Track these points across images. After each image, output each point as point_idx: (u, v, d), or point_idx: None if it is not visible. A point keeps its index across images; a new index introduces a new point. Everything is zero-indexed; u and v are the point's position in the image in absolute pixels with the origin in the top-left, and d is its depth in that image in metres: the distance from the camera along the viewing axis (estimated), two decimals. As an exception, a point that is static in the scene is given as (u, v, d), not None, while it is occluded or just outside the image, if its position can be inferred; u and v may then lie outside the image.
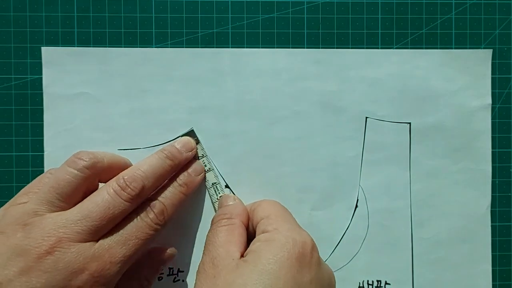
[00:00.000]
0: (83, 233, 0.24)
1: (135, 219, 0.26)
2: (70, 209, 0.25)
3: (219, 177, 0.32)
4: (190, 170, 0.30)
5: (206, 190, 0.32)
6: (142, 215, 0.27)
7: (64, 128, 0.32)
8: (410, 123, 0.33)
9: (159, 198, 0.28)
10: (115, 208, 0.25)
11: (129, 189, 0.26)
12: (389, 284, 0.32)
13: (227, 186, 0.32)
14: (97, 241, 0.25)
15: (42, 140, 0.32)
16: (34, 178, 0.32)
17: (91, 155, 0.27)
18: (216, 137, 0.32)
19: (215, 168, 0.32)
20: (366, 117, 0.33)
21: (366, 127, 0.33)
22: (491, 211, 0.33)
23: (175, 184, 0.29)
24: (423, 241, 0.33)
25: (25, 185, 0.32)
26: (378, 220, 0.33)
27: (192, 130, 0.32)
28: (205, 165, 0.32)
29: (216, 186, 0.32)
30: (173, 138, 0.32)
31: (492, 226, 0.33)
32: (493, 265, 0.33)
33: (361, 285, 0.32)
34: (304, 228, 0.32)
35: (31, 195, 0.26)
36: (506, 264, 0.33)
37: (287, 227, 0.26)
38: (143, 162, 0.28)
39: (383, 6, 0.33)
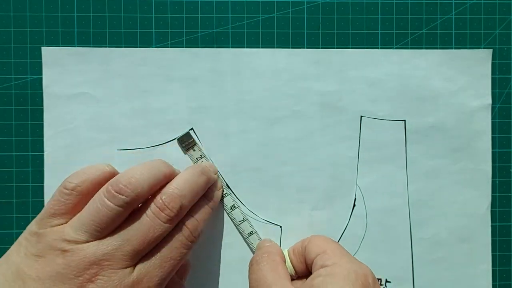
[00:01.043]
0: (124, 258, 0.24)
1: (170, 239, 0.26)
2: (111, 236, 0.25)
3: (219, 176, 0.32)
4: (212, 188, 0.30)
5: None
6: (176, 234, 0.26)
7: (64, 128, 0.32)
8: (405, 120, 0.33)
9: (192, 214, 0.28)
10: (155, 231, 0.25)
11: (168, 210, 0.25)
12: (389, 282, 0.32)
13: (227, 186, 0.32)
14: (135, 265, 0.25)
15: (42, 140, 0.32)
16: (34, 178, 0.32)
17: (131, 187, 0.25)
18: (216, 137, 0.32)
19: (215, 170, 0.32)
20: (361, 116, 0.33)
21: (362, 126, 0.33)
22: (491, 211, 0.33)
23: (203, 198, 0.29)
24: (422, 241, 0.33)
25: (25, 185, 0.32)
26: (376, 218, 0.33)
27: (188, 133, 0.32)
28: None
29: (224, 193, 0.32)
30: (173, 138, 0.32)
31: (492, 226, 0.33)
32: (493, 265, 0.33)
33: None
34: (304, 228, 0.32)
35: (66, 217, 0.25)
36: (506, 264, 0.33)
37: (346, 260, 0.26)
38: (179, 179, 0.27)
39: (383, 6, 0.33)
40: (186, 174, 0.28)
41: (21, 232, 0.32)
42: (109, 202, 0.24)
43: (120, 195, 0.25)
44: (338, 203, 0.33)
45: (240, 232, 0.32)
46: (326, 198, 0.32)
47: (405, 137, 0.33)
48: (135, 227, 0.25)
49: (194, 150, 0.32)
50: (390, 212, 0.33)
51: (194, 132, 0.32)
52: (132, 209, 0.26)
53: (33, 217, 0.32)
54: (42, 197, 0.32)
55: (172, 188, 0.26)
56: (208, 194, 0.29)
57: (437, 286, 0.33)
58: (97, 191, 0.26)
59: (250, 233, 0.32)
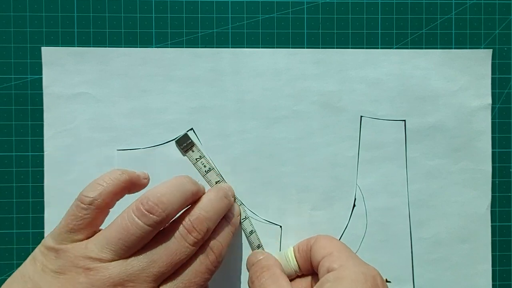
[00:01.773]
0: (148, 280, 0.24)
1: (194, 263, 0.26)
2: (136, 256, 0.24)
3: (220, 176, 0.32)
4: (233, 211, 0.30)
5: None
6: (201, 257, 0.26)
7: (64, 128, 0.32)
8: (405, 120, 0.33)
9: (217, 238, 0.27)
10: (181, 253, 0.25)
11: (196, 233, 0.25)
12: (389, 282, 0.32)
13: (227, 186, 0.32)
14: (158, 287, 0.24)
15: (42, 140, 0.32)
16: (34, 178, 0.32)
17: (162, 206, 0.24)
18: (216, 137, 0.32)
19: (215, 168, 0.32)
20: (361, 116, 0.33)
21: (361, 126, 0.33)
22: (491, 211, 0.33)
23: (225, 223, 0.29)
24: (423, 241, 0.33)
25: (25, 185, 0.32)
26: (376, 218, 0.33)
27: (186, 134, 0.32)
28: (204, 166, 0.32)
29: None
30: (173, 138, 0.32)
31: (492, 226, 0.33)
32: (493, 265, 0.33)
33: None
34: (304, 228, 0.32)
35: (85, 232, 0.24)
36: (506, 264, 0.33)
37: (353, 262, 0.26)
38: (205, 201, 0.27)
39: (383, 6, 0.33)
40: (211, 197, 0.28)
41: (21, 232, 0.32)
42: (139, 221, 0.24)
43: (151, 215, 0.24)
44: (338, 203, 0.33)
45: (243, 230, 0.32)
46: (326, 198, 0.32)
47: (405, 137, 0.33)
48: (161, 249, 0.24)
49: (193, 151, 0.32)
50: (390, 212, 0.33)
51: (194, 132, 0.32)
52: (160, 229, 0.25)
53: (33, 217, 0.32)
54: (42, 197, 0.32)
55: (200, 210, 0.26)
56: (229, 219, 0.29)
57: (437, 286, 0.33)
58: (115, 201, 0.26)
59: (251, 232, 0.32)
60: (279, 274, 0.28)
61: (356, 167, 0.33)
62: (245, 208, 0.32)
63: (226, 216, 0.29)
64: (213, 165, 0.32)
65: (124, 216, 0.24)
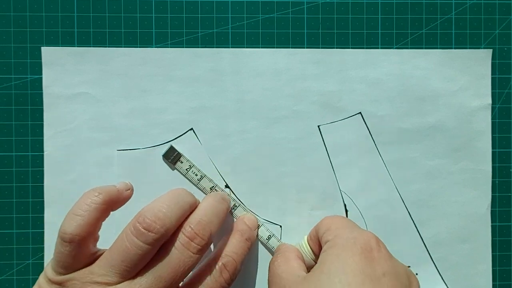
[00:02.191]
0: None
1: (208, 279, 0.25)
2: (141, 276, 0.24)
3: (219, 177, 0.32)
4: (249, 223, 0.30)
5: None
6: (215, 274, 0.26)
7: (64, 128, 0.32)
8: (360, 112, 0.32)
9: (230, 254, 0.27)
10: (185, 264, 0.24)
11: (199, 239, 0.25)
12: (409, 266, 0.32)
13: (227, 186, 0.32)
14: None
15: (42, 140, 0.32)
16: (34, 178, 0.32)
17: (160, 222, 0.24)
18: (216, 137, 0.32)
19: (207, 175, 0.32)
20: (318, 126, 0.32)
21: (322, 135, 0.32)
22: (491, 211, 0.33)
23: (241, 238, 0.28)
24: (423, 241, 0.33)
25: (25, 185, 0.32)
26: (372, 213, 0.33)
27: (171, 146, 0.32)
28: (196, 174, 0.32)
29: (215, 189, 0.32)
30: (173, 138, 0.32)
31: (492, 226, 0.33)
32: (493, 265, 0.33)
33: None
34: (304, 228, 0.32)
35: (79, 260, 0.24)
36: (506, 264, 0.33)
37: (347, 231, 0.26)
38: (204, 206, 0.27)
39: (383, 6, 0.33)
40: (209, 201, 0.27)
41: (21, 232, 0.32)
42: (138, 241, 0.23)
43: (149, 232, 0.23)
44: (338, 203, 0.33)
45: (258, 239, 0.32)
46: (326, 198, 0.32)
47: (367, 127, 0.33)
48: (165, 263, 0.24)
49: (181, 162, 0.32)
50: (383, 203, 0.33)
51: (194, 132, 0.32)
52: (161, 245, 0.25)
53: (33, 217, 0.32)
54: (42, 197, 0.32)
55: (199, 215, 0.26)
56: (244, 233, 0.29)
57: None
58: (100, 225, 0.25)
59: (269, 237, 0.32)
60: (292, 257, 0.28)
61: (334, 175, 0.32)
62: (245, 208, 0.32)
63: (241, 230, 0.29)
64: (204, 172, 0.32)
65: (123, 237, 0.24)
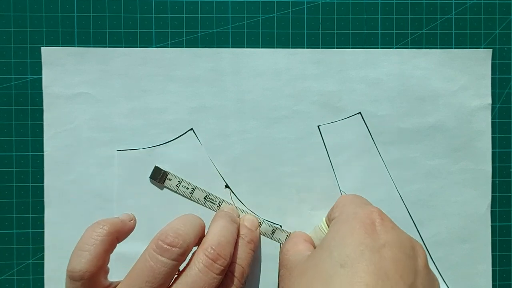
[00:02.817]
0: None
1: None
2: None
3: (219, 177, 0.32)
4: (248, 225, 0.30)
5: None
6: (224, 282, 0.26)
7: (64, 128, 0.32)
8: (360, 112, 0.33)
9: (235, 260, 0.27)
10: (210, 286, 0.24)
11: (222, 259, 0.25)
12: None
13: (227, 186, 0.32)
14: None
15: (42, 140, 0.32)
16: (34, 178, 0.32)
17: (182, 238, 0.24)
18: (216, 137, 0.32)
19: (197, 186, 0.32)
20: (318, 126, 0.32)
21: (322, 135, 0.32)
22: (491, 211, 0.33)
23: (243, 242, 0.28)
24: (423, 241, 0.33)
25: (25, 185, 0.32)
26: None
27: (156, 167, 0.31)
28: (187, 188, 0.32)
29: (210, 198, 0.32)
30: (173, 138, 0.32)
31: (492, 226, 0.33)
32: (493, 265, 0.33)
33: None
34: (304, 228, 0.32)
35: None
36: (506, 264, 0.33)
37: (352, 206, 0.26)
38: (218, 228, 0.27)
39: (383, 6, 0.33)
40: (221, 222, 0.27)
41: (21, 232, 0.32)
42: (162, 258, 0.23)
43: (173, 248, 0.23)
44: (338, 203, 0.33)
45: (263, 235, 0.32)
46: (326, 198, 0.32)
47: (367, 127, 0.33)
48: (189, 285, 0.24)
49: (170, 180, 0.32)
50: (383, 201, 0.33)
51: (194, 132, 0.32)
52: (181, 263, 0.25)
53: (33, 217, 0.32)
54: (42, 197, 0.32)
55: (218, 236, 0.26)
56: (245, 237, 0.29)
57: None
58: (108, 257, 0.25)
59: (273, 231, 0.32)
60: (299, 241, 0.29)
61: (334, 175, 0.32)
62: (245, 207, 0.32)
63: (243, 234, 0.29)
64: (195, 185, 0.32)
65: (145, 258, 0.23)
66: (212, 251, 0.25)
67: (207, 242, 0.25)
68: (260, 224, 0.32)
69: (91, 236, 0.24)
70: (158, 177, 0.32)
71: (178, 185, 0.32)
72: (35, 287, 0.32)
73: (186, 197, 0.32)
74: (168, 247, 0.23)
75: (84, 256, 0.23)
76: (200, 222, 0.27)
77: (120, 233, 0.26)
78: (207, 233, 0.27)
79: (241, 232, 0.29)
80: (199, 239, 0.26)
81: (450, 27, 0.33)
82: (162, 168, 0.32)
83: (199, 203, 0.32)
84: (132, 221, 0.27)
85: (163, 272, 0.23)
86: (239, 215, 0.31)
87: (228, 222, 0.28)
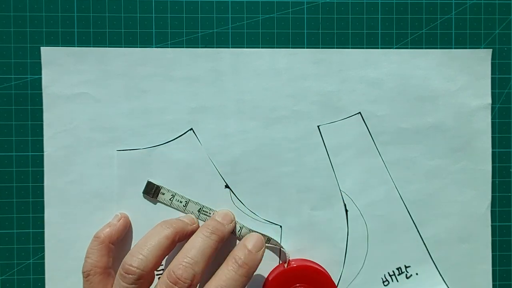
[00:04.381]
0: None
1: None
2: None
3: (219, 177, 0.32)
4: (250, 246, 0.28)
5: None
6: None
7: (64, 128, 0.32)
8: (359, 112, 0.33)
9: (223, 285, 0.26)
10: None
11: (181, 283, 0.25)
12: (409, 266, 0.32)
13: (227, 186, 0.32)
14: None
15: (42, 140, 0.32)
16: (34, 178, 0.32)
17: (136, 264, 0.26)
18: (216, 137, 0.32)
19: (191, 199, 0.32)
20: (318, 126, 0.32)
21: (322, 135, 0.32)
22: (491, 211, 0.33)
23: (233, 266, 0.27)
24: (423, 241, 0.33)
25: (25, 185, 0.32)
26: (372, 213, 0.33)
27: (149, 181, 0.31)
28: (180, 201, 0.32)
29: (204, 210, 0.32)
30: (173, 138, 0.32)
31: (492, 226, 0.33)
32: (493, 265, 0.33)
33: (384, 279, 0.32)
34: (304, 228, 0.32)
35: None
36: (506, 264, 0.33)
37: None
38: (189, 246, 0.27)
39: (383, 6, 0.33)
40: (196, 238, 0.28)
41: (21, 232, 0.32)
42: (123, 283, 0.26)
43: (129, 275, 0.26)
44: (338, 204, 0.33)
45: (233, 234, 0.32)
46: (326, 198, 0.32)
47: (366, 127, 0.33)
48: None
49: (163, 194, 0.32)
50: (382, 202, 0.33)
51: (194, 132, 0.32)
52: (147, 283, 0.27)
53: (33, 217, 0.32)
54: (42, 197, 0.32)
55: (182, 257, 0.26)
56: (239, 259, 0.27)
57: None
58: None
59: (240, 229, 0.32)
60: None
61: (334, 175, 0.32)
62: (245, 207, 0.32)
63: (236, 256, 0.27)
64: (188, 198, 0.32)
65: (116, 285, 0.27)
66: (173, 275, 0.26)
67: (172, 263, 0.26)
68: (268, 240, 0.31)
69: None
70: (151, 191, 0.32)
71: (171, 199, 0.32)
72: (35, 287, 0.32)
73: (180, 211, 0.32)
74: (126, 274, 0.26)
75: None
76: (167, 234, 0.28)
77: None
78: (182, 248, 0.27)
79: (236, 253, 0.28)
80: (171, 246, 0.28)
81: (450, 27, 0.33)
82: (155, 183, 0.32)
83: (194, 215, 0.32)
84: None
85: None
86: (232, 220, 0.31)
87: (205, 238, 0.28)
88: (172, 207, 0.32)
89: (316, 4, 0.33)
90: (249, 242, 0.28)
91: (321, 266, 0.32)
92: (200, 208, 0.32)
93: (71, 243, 0.32)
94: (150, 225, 0.30)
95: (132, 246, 0.30)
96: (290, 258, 0.31)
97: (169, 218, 0.31)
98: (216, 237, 0.28)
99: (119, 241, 0.31)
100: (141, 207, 0.32)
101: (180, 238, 0.29)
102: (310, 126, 0.33)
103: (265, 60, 0.32)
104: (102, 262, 0.29)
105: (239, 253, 0.28)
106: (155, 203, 0.32)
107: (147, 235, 0.28)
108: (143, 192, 0.32)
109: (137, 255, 0.26)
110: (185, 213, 0.32)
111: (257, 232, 0.31)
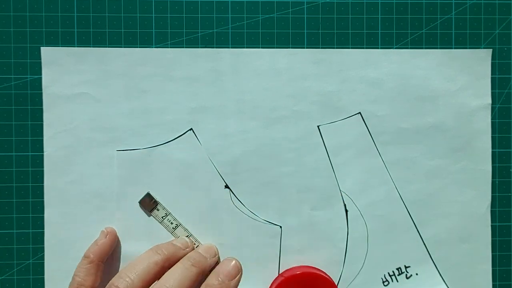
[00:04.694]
0: None
1: None
2: None
3: (219, 177, 0.32)
4: (222, 275, 0.29)
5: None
6: None
7: (64, 128, 0.32)
8: (359, 112, 0.33)
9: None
10: None
11: None
12: (409, 266, 0.32)
13: (227, 186, 0.32)
14: None
15: (42, 140, 0.32)
16: (34, 178, 0.32)
17: (122, 285, 0.26)
18: (216, 137, 0.32)
19: (182, 224, 0.32)
20: (318, 126, 0.32)
21: (322, 135, 0.32)
22: (491, 211, 0.33)
23: (186, 265, 0.28)
24: (423, 241, 0.33)
25: (25, 185, 0.32)
26: (372, 213, 0.33)
27: (148, 193, 0.32)
28: (171, 222, 0.32)
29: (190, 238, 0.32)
30: (173, 138, 0.32)
31: (492, 226, 0.33)
32: (493, 265, 0.33)
33: (384, 279, 0.32)
34: (304, 229, 0.32)
35: None
36: (506, 264, 0.33)
37: None
38: (168, 276, 0.27)
39: (383, 6, 0.33)
40: (176, 269, 0.28)
41: (21, 232, 0.32)
42: None
43: None
44: (338, 204, 0.33)
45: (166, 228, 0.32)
46: (326, 198, 0.32)
47: (366, 127, 0.33)
48: None
49: (157, 210, 0.32)
50: (382, 202, 0.33)
51: (193, 132, 0.32)
52: None
53: (33, 217, 0.32)
54: (42, 197, 0.32)
55: (161, 286, 0.27)
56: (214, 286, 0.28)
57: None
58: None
59: (176, 226, 0.32)
60: None
61: (334, 175, 0.32)
62: (245, 207, 0.32)
63: (212, 285, 0.28)
64: (180, 221, 0.32)
65: None
66: None
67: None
68: (174, 229, 0.31)
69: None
70: (147, 204, 0.32)
71: (163, 217, 0.32)
72: (35, 287, 0.32)
73: (169, 231, 0.32)
74: None
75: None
76: (156, 259, 0.28)
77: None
78: (162, 276, 0.27)
79: (209, 281, 0.28)
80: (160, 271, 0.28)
81: (450, 27, 0.33)
82: (154, 197, 0.32)
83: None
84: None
85: None
86: (216, 254, 0.31)
87: (185, 269, 0.28)
88: (162, 225, 0.32)
89: (316, 4, 0.33)
90: (222, 272, 0.29)
91: (321, 270, 0.32)
92: (188, 235, 0.32)
93: (71, 243, 0.32)
94: (148, 228, 0.30)
95: (121, 256, 0.31)
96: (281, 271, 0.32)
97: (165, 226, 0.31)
98: (196, 269, 0.28)
99: (108, 256, 0.31)
100: (141, 207, 0.32)
101: (170, 264, 0.28)
102: (310, 126, 0.33)
103: (265, 60, 0.32)
104: (89, 281, 0.29)
105: (212, 281, 0.28)
106: (148, 216, 0.32)
107: (138, 259, 0.28)
108: (139, 202, 0.32)
109: (125, 277, 0.26)
110: (172, 235, 0.32)
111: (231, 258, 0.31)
